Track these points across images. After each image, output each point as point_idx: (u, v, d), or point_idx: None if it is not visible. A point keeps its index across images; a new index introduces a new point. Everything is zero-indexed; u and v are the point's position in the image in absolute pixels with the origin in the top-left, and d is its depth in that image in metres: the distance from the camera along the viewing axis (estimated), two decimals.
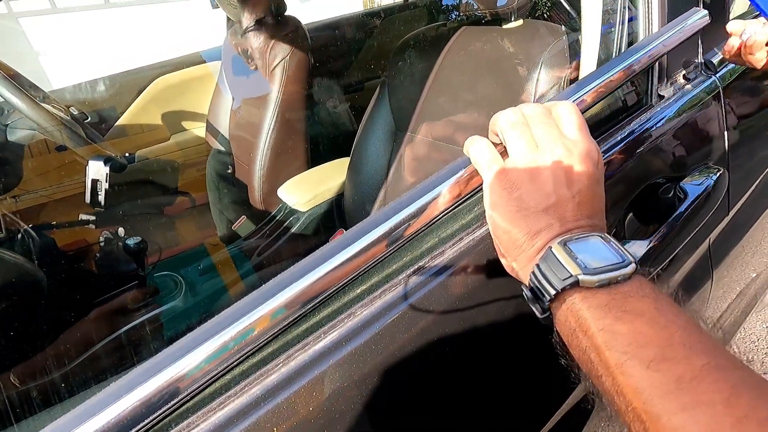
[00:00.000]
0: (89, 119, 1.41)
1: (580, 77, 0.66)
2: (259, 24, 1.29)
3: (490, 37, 0.88)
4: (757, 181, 0.64)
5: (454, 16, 1.22)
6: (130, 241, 0.98)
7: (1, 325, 0.54)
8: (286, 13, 1.31)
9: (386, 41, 1.89)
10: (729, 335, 1.03)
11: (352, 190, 1.17)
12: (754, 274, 0.92)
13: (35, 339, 0.61)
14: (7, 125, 1.00)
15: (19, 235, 0.85)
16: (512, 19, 0.87)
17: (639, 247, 0.43)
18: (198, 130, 1.73)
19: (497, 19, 0.90)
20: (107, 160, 1.00)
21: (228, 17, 1.55)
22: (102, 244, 0.99)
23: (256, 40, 1.31)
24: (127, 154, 1.17)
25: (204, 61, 1.80)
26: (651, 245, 0.44)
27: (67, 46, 2.67)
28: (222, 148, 1.58)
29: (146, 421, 0.24)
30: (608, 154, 0.44)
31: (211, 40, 1.85)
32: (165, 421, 0.25)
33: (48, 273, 0.73)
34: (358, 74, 1.76)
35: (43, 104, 0.98)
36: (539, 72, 0.76)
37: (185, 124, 1.76)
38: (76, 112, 1.30)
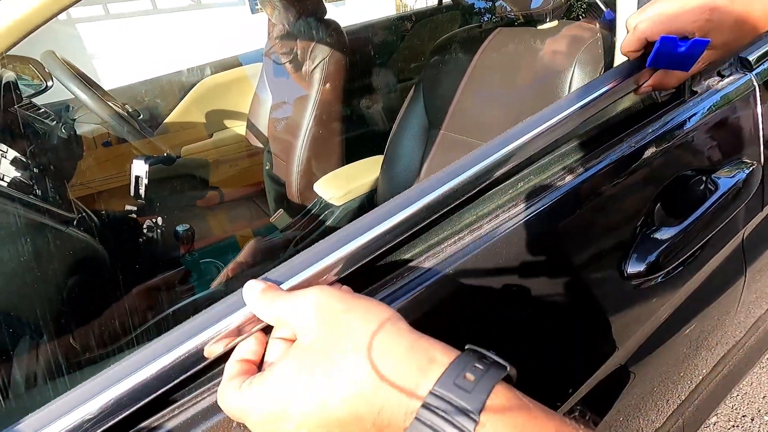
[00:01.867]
0: (141, 116, 1.51)
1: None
2: (301, 27, 1.35)
3: (525, 38, 0.91)
4: None
5: (486, 18, 1.25)
6: (180, 228, 1.06)
7: (77, 291, 0.61)
8: (326, 17, 1.37)
9: (419, 44, 1.93)
10: (765, 344, 1.01)
11: (385, 185, 1.21)
12: None
13: (101, 306, 0.67)
14: (75, 120, 1.10)
15: (82, 218, 0.93)
16: (547, 20, 0.89)
17: (666, 234, 0.45)
18: (238, 128, 1.82)
19: (532, 21, 0.92)
20: (147, 159, 1.09)
21: (270, 20, 1.63)
22: (146, 230, 1.08)
23: (297, 42, 1.38)
24: (165, 154, 1.26)
25: (241, 64, 1.90)
26: (679, 233, 0.46)
27: (118, 49, 2.84)
28: (261, 146, 1.66)
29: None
30: (638, 146, 0.46)
31: (249, 43, 1.94)
32: None
33: (108, 252, 0.81)
34: (392, 75, 1.81)
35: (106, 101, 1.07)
36: (573, 71, 0.78)
37: (226, 122, 1.86)
38: (130, 110, 1.41)
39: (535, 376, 0.41)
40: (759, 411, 1.29)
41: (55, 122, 1.19)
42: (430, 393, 0.22)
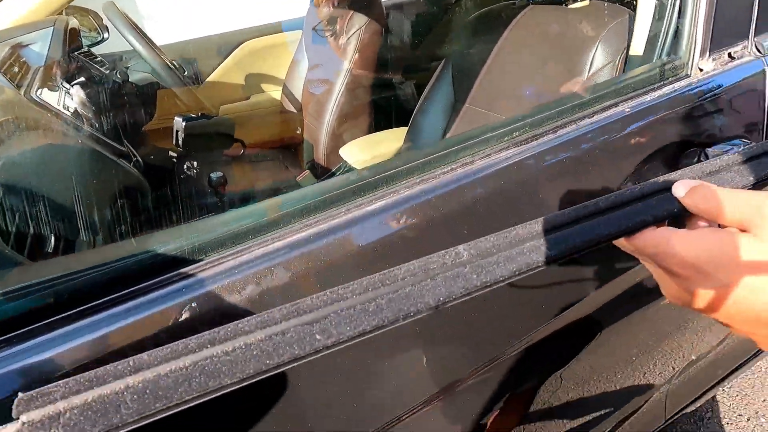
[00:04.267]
0: (186, 72, 1.61)
1: (629, 57, 0.71)
2: None
3: (555, 16, 0.93)
4: None
5: None
6: (214, 175, 1.15)
7: (122, 212, 0.70)
8: None
9: (459, 22, 1.93)
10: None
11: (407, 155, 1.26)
12: None
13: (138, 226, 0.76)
14: (128, 68, 1.20)
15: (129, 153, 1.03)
16: None
17: None
18: (274, 92, 1.90)
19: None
20: (184, 118, 1.21)
21: None
22: (186, 168, 1.21)
23: (336, 10, 1.43)
24: (199, 114, 1.37)
25: (282, 30, 1.96)
26: None
27: (168, 8, 2.95)
28: (294, 111, 1.74)
29: None
30: (634, 111, 0.50)
31: (292, 10, 2.00)
32: None
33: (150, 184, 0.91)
34: (429, 50, 1.83)
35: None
36: (596, 49, 0.80)
37: (263, 86, 1.94)
38: (176, 65, 1.50)
39: (506, 318, 0.47)
40: (756, 413, 1.30)
41: (109, 71, 1.30)
42: None
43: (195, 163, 1.14)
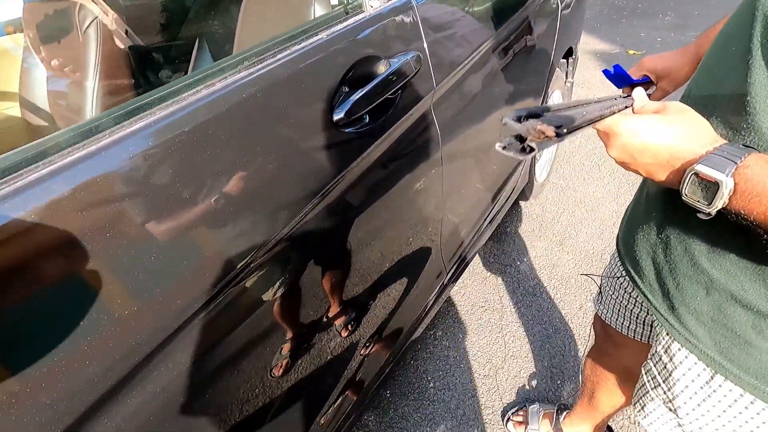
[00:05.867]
0: None
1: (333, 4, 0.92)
2: None
3: None
4: (456, 72, 0.99)
5: None
6: None
7: None
8: None
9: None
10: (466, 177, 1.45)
11: None
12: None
13: None
14: None
15: None
16: None
17: (358, 93, 0.70)
18: (10, 110, 1.61)
19: None
20: None
21: None
22: None
23: (59, 4, 1.31)
24: None
25: None
26: (366, 92, 0.71)
27: None
28: (45, 124, 1.52)
29: None
30: (332, 36, 0.69)
31: None
32: None
33: None
34: (184, 36, 1.81)
35: None
36: (314, 1, 1.00)
37: None
38: None
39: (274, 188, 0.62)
40: (506, 263, 1.84)
41: None
42: (722, 145, 0.43)
43: None
